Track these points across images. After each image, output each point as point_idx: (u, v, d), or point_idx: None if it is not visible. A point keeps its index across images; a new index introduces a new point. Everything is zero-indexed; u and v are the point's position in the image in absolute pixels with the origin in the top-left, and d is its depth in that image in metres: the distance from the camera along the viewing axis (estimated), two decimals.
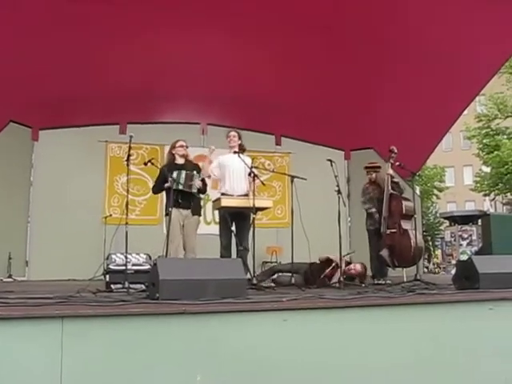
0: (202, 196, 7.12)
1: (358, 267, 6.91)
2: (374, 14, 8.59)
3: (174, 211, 6.41)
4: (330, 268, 6.76)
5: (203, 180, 6.91)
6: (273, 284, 6.70)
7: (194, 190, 6.67)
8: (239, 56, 9.71)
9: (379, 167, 7.96)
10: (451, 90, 9.95)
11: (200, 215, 7.05)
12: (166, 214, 6.61)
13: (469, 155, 33.39)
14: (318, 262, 7.01)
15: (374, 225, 7.66)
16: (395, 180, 7.53)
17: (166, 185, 6.52)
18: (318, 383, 3.64)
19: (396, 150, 7.44)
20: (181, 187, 6.51)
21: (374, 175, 7.98)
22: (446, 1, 8.14)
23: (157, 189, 6.99)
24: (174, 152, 7.02)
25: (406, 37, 9.03)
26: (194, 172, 6.73)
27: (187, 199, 6.67)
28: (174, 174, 6.50)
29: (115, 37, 9.00)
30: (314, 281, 6.57)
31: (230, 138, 7.06)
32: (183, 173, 6.59)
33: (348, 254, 7.35)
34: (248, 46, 9.55)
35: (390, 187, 7.39)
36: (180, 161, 6.97)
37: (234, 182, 6.94)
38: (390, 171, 7.45)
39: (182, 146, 7.01)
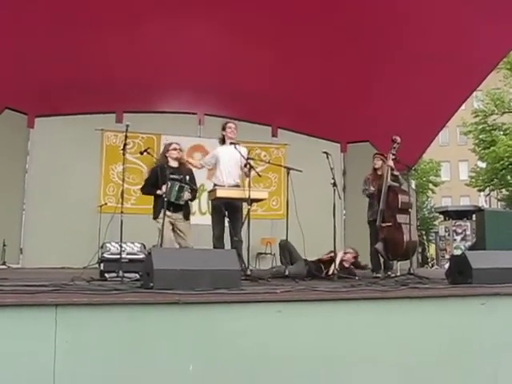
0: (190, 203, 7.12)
1: (350, 256, 7.01)
2: (372, 5, 8.57)
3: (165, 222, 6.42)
4: (328, 257, 6.86)
5: (193, 191, 6.87)
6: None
7: (182, 203, 6.69)
8: (237, 47, 9.68)
9: (386, 158, 7.77)
10: (449, 84, 9.95)
11: (189, 220, 7.05)
12: (154, 218, 6.67)
13: (465, 150, 33.54)
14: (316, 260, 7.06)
15: (373, 216, 7.47)
16: (395, 173, 7.41)
17: (159, 192, 6.51)
18: (311, 374, 3.66)
19: (399, 140, 7.20)
20: (172, 199, 6.53)
21: (380, 162, 7.76)
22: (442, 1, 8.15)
23: (147, 191, 6.96)
24: (167, 155, 6.97)
25: (405, 29, 9.01)
26: (185, 186, 6.69)
27: (178, 205, 6.71)
28: (168, 184, 6.47)
29: (113, 25, 8.97)
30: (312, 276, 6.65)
31: (231, 130, 7.02)
32: (176, 185, 6.57)
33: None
34: (244, 41, 9.53)
35: (389, 179, 7.30)
36: (173, 164, 6.94)
37: (225, 173, 6.94)
38: (391, 163, 7.28)
39: (175, 149, 6.97)
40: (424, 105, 10.50)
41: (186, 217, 6.89)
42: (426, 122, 11.00)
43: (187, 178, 6.75)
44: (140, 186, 7.23)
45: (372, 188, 7.60)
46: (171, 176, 6.58)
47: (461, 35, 8.70)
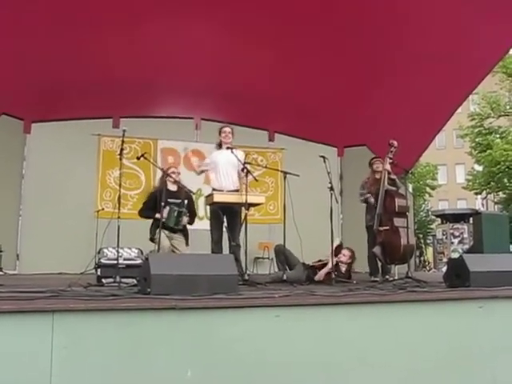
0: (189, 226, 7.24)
1: (347, 252, 7.01)
2: (369, 11, 8.58)
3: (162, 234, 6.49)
4: (321, 263, 6.87)
5: (191, 215, 7.01)
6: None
7: (180, 227, 6.85)
8: (234, 51, 9.67)
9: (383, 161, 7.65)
10: (445, 87, 9.97)
11: (188, 245, 7.15)
12: (151, 239, 6.76)
13: (461, 153, 33.59)
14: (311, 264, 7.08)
15: (372, 220, 7.43)
16: (392, 177, 7.41)
17: (157, 216, 6.54)
18: (310, 379, 3.64)
19: (396, 144, 7.22)
20: (171, 225, 6.70)
21: (381, 166, 7.64)
22: (442, 1, 8.16)
23: (145, 214, 7.05)
24: (166, 178, 7.04)
25: (400, 35, 9.03)
26: (184, 210, 6.83)
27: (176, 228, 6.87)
28: (166, 209, 6.59)
29: (109, 30, 8.96)
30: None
31: (226, 134, 7.02)
32: (175, 211, 6.70)
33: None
34: (242, 42, 9.53)
35: (386, 183, 7.29)
36: (172, 188, 7.03)
37: (223, 177, 6.93)
38: (388, 167, 7.29)
39: (173, 173, 7.09)
40: (421, 108, 10.52)
41: (186, 242, 7.02)
42: (422, 126, 11.02)
43: (185, 202, 6.87)
44: (137, 191, 7.28)
45: (370, 195, 7.56)
46: (170, 200, 6.68)
47: (460, 36, 8.70)
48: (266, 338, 3.60)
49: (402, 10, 8.52)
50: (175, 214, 6.71)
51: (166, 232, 6.69)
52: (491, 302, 4.32)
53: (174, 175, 7.05)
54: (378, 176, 7.74)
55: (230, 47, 9.66)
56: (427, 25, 8.66)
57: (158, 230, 6.36)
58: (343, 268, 6.97)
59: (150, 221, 6.95)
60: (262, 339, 3.59)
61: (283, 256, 6.97)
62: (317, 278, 6.74)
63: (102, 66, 9.67)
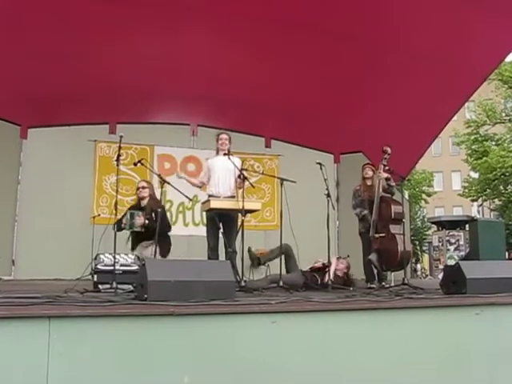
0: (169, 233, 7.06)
1: (343, 265, 7.02)
2: (364, 18, 8.61)
3: (140, 248, 6.50)
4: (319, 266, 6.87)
5: (162, 224, 6.57)
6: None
7: (137, 229, 6.66)
8: (230, 58, 9.70)
9: (377, 169, 7.59)
10: (441, 94, 10.01)
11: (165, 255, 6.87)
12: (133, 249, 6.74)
13: (457, 161, 33.75)
14: (309, 269, 7.05)
15: (364, 227, 7.46)
16: (391, 183, 7.35)
17: (123, 225, 6.52)
18: None
19: (390, 151, 7.21)
20: (127, 228, 6.60)
21: (371, 172, 7.67)
22: (439, 6, 8.17)
23: (117, 228, 6.72)
24: (137, 193, 7.11)
25: (397, 41, 9.06)
26: (136, 211, 6.71)
27: (149, 236, 6.66)
28: (125, 216, 6.59)
29: (105, 36, 8.96)
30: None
31: (222, 141, 7.00)
32: (128, 213, 6.64)
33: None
34: (239, 48, 9.55)
35: (381, 190, 7.27)
36: (142, 203, 7.02)
37: (220, 184, 6.92)
38: (382, 174, 7.25)
39: (138, 189, 7.10)
40: (417, 115, 10.54)
41: (164, 254, 6.73)
42: (419, 133, 11.05)
43: (136, 211, 6.76)
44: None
45: (366, 211, 7.53)
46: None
47: (457, 41, 8.74)
48: (262, 344, 3.59)
49: (398, 18, 8.55)
50: (128, 216, 6.59)
51: (144, 243, 6.67)
52: (488, 308, 4.32)
53: (138, 190, 7.06)
54: (369, 182, 7.72)
55: (226, 54, 9.67)
56: (424, 31, 8.69)
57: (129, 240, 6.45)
58: (340, 273, 6.97)
59: None
60: (258, 345, 3.58)
61: (287, 255, 6.96)
62: (329, 277, 6.55)
63: (98, 73, 9.67)
